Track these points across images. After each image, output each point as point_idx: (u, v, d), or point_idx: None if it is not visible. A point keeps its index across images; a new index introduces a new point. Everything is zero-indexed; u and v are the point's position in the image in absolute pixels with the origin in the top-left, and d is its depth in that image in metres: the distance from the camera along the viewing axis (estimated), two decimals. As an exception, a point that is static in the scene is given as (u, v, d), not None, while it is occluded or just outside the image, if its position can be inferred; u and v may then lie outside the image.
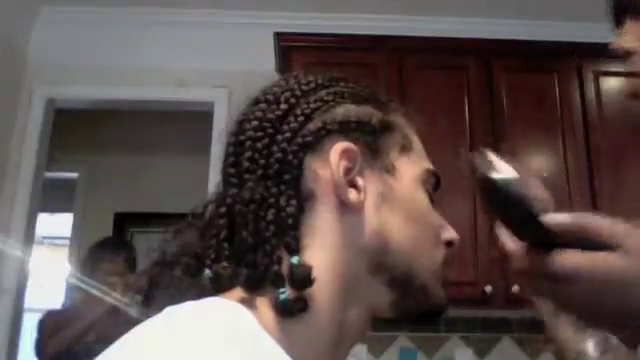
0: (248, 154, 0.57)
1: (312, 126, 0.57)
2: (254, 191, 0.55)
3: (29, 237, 2.80)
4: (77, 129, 3.93)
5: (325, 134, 0.57)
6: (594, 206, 2.42)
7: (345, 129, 0.58)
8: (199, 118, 2.93)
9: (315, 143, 0.57)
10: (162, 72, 2.91)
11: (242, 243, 0.54)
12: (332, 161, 0.56)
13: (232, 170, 0.58)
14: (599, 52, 2.91)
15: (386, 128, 0.61)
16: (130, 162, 4.23)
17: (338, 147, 0.56)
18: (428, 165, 0.64)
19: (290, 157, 0.56)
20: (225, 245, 0.55)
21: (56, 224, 4.88)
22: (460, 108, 2.52)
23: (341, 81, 0.63)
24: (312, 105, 0.59)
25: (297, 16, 2.91)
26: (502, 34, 2.75)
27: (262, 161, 0.56)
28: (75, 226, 4.26)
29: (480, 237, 2.35)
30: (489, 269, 2.33)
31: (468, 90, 2.54)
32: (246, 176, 0.56)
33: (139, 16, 2.98)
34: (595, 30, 2.87)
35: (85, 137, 4.14)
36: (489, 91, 2.55)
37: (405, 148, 0.62)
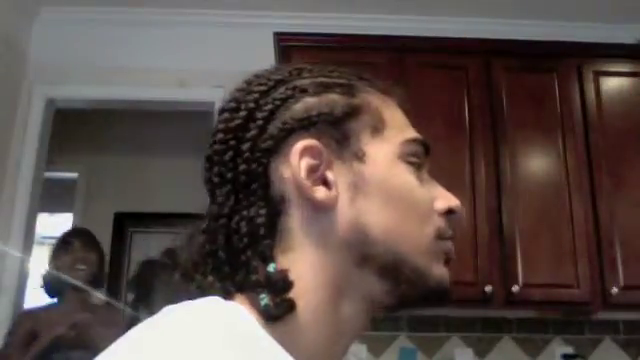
0: (216, 169, 0.57)
1: (272, 129, 0.56)
2: (223, 206, 0.56)
3: (29, 237, 2.80)
4: (77, 129, 3.93)
5: (286, 135, 0.56)
6: (594, 206, 2.42)
7: (306, 125, 0.56)
8: (199, 118, 2.92)
9: (276, 146, 0.56)
10: (162, 72, 2.92)
11: (218, 259, 0.55)
12: (292, 163, 0.55)
13: (208, 186, 0.58)
14: (599, 52, 2.93)
15: (352, 113, 0.58)
16: (130, 162, 4.24)
17: (297, 147, 0.55)
18: (409, 135, 0.60)
19: (254, 166, 0.55)
20: (209, 260, 0.56)
21: (56, 224, 4.88)
22: (460, 108, 2.52)
23: (304, 71, 0.61)
24: (270, 106, 0.57)
25: (297, 16, 2.92)
26: (502, 34, 2.75)
27: (229, 175, 0.56)
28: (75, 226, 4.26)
29: (480, 237, 2.36)
30: (489, 269, 2.33)
31: (468, 90, 2.54)
32: (217, 191, 0.57)
33: (139, 16, 2.98)
34: (595, 30, 2.91)
35: (85, 137, 4.14)
36: (489, 91, 2.55)
37: (377, 128, 0.59)
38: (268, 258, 0.53)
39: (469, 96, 2.54)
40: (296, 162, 0.54)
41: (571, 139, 2.50)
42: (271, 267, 0.52)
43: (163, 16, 2.98)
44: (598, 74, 2.59)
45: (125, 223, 4.19)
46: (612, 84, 2.59)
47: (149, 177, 4.13)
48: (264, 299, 0.50)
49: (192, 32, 2.95)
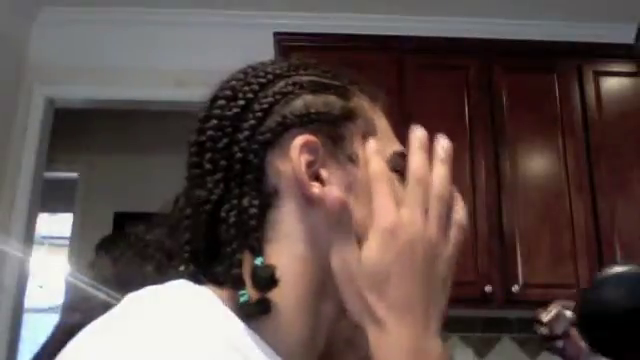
0: (209, 155, 0.56)
1: (271, 122, 0.56)
2: (211, 193, 0.55)
3: (29, 237, 2.80)
4: (77, 129, 3.93)
5: (284, 129, 0.56)
6: (594, 206, 2.42)
7: (305, 121, 0.57)
8: (199, 118, 2.92)
9: (275, 139, 0.56)
10: (161, 72, 2.91)
11: (196, 248, 0.55)
12: (292, 157, 0.54)
13: (196, 171, 0.58)
14: (599, 52, 2.93)
15: (348, 116, 0.59)
16: (130, 162, 4.23)
17: (298, 141, 0.55)
18: (395, 147, 0.61)
19: (251, 156, 0.55)
20: (187, 248, 0.56)
21: (56, 224, 4.88)
22: (460, 108, 2.52)
23: (301, 68, 0.62)
24: (269, 99, 0.57)
25: (297, 16, 2.92)
26: (502, 34, 2.75)
27: (223, 162, 0.56)
28: (75, 226, 4.26)
29: (480, 237, 2.36)
30: (489, 269, 2.33)
31: (468, 90, 2.54)
32: (208, 178, 0.56)
33: (139, 16, 2.98)
34: (595, 30, 2.91)
35: (85, 137, 4.14)
36: (489, 91, 2.55)
37: (369, 134, 0.59)
38: (257, 251, 0.52)
39: (469, 96, 2.54)
40: (296, 156, 0.54)
41: (571, 139, 2.50)
42: (259, 261, 0.52)
43: (162, 16, 2.98)
44: (598, 74, 2.59)
45: (125, 223, 4.17)
46: (612, 84, 2.59)
47: (149, 177, 4.12)
48: (244, 295, 0.50)
49: (191, 32, 2.95)
